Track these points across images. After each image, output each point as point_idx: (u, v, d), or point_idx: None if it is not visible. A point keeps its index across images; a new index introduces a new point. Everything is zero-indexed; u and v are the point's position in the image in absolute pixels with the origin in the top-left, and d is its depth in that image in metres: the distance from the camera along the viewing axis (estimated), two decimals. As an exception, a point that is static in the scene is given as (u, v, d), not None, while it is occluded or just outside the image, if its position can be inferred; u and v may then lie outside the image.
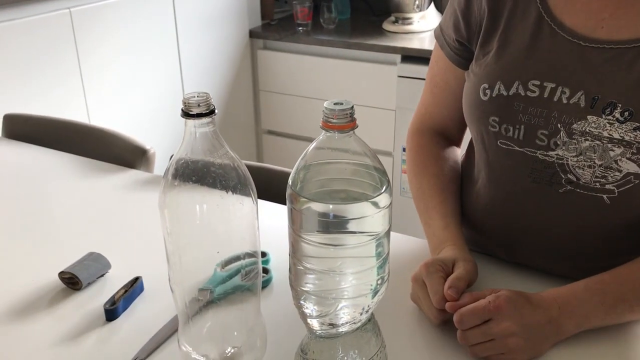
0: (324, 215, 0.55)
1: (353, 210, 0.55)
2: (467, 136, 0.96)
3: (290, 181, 0.57)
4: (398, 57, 2.26)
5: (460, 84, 0.91)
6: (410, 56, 2.24)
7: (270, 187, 1.03)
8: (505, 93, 0.79)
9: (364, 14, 2.72)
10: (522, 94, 0.78)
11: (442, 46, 0.93)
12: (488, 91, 0.80)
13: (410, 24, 2.44)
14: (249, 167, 1.15)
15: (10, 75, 1.72)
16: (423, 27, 2.43)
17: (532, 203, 0.82)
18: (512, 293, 0.72)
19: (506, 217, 0.85)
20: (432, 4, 2.47)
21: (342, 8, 2.65)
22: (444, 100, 0.96)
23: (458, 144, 1.01)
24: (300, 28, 2.52)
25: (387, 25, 2.49)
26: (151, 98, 2.21)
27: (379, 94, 2.36)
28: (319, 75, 2.47)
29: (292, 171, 0.57)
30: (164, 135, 2.25)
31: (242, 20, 2.54)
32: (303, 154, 0.57)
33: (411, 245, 0.95)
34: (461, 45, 0.89)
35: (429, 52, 2.16)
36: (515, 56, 0.79)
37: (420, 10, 2.43)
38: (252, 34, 2.57)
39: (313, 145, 0.57)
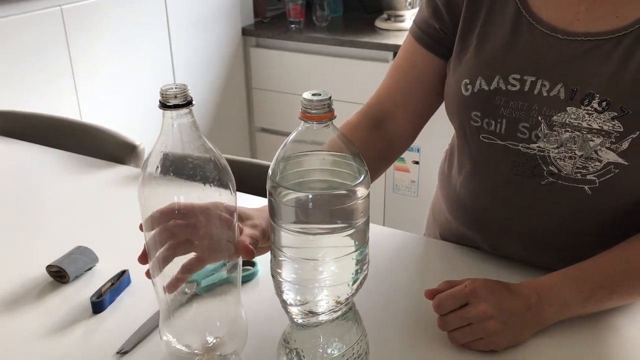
0: (303, 204, 0.56)
1: (331, 199, 0.56)
2: (444, 132, 0.96)
3: (270, 172, 0.57)
4: (390, 55, 2.27)
5: (427, 70, 0.90)
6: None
7: (262, 182, 1.03)
8: (486, 88, 0.80)
9: (357, 11, 2.72)
10: (503, 88, 0.79)
11: (414, 33, 0.91)
12: (469, 86, 0.81)
13: (402, 21, 2.45)
14: (240, 163, 1.16)
15: (1, 73, 1.72)
16: (415, 24, 2.43)
17: (515, 196, 0.83)
18: (490, 280, 0.74)
19: (489, 210, 0.86)
20: (424, 2, 2.48)
21: (334, 6, 2.66)
22: (402, 84, 0.93)
23: (400, 141, 0.95)
24: (293, 26, 2.53)
25: (379, 23, 2.49)
26: (143, 95, 2.22)
27: (371, 91, 2.36)
28: (312, 73, 2.48)
29: (272, 162, 0.58)
30: (155, 133, 2.25)
31: (235, 18, 2.54)
32: (282, 144, 0.58)
33: (401, 239, 0.96)
34: (444, 34, 0.88)
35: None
36: (495, 51, 0.80)
37: (412, 8, 2.43)
38: (245, 32, 2.58)
39: (292, 136, 0.57)
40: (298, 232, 0.57)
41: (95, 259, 0.88)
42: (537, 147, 0.78)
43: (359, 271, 0.59)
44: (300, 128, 0.57)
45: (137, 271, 0.86)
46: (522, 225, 0.84)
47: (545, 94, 0.76)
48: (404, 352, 0.73)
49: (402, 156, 2.37)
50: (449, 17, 0.86)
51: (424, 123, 0.96)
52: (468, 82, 0.81)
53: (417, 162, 2.34)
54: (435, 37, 0.89)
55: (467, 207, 0.90)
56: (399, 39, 2.31)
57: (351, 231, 0.57)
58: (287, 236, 0.57)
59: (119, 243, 0.95)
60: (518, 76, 0.78)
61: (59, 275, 0.86)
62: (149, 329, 0.76)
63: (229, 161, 1.19)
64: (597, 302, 0.75)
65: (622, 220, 0.80)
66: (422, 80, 0.91)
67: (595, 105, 0.73)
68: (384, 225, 1.41)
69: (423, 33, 0.89)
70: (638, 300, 0.79)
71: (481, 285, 0.72)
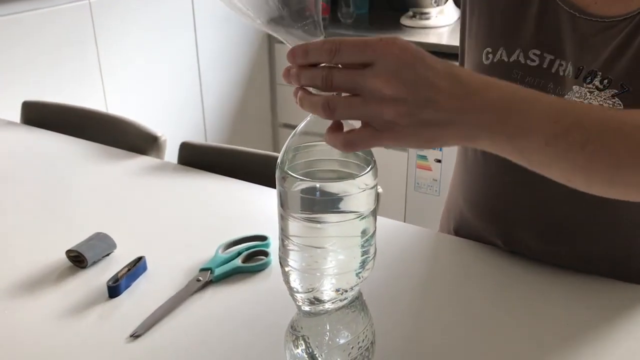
0: (311, 193, 0.57)
1: (338, 188, 0.57)
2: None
3: (279, 161, 0.59)
4: (414, 52, 2.27)
5: None
6: (427, 51, 2.24)
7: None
8: (506, 59, 0.80)
9: (382, 8, 2.72)
10: (522, 61, 0.79)
11: None
12: (490, 55, 0.81)
13: (428, 18, 2.44)
14: (261, 157, 1.18)
15: (30, 64, 1.76)
16: (441, 22, 2.43)
17: (524, 177, 0.82)
18: (430, 56, 0.52)
19: (499, 194, 0.86)
20: (450, -1, 2.47)
21: (360, 2, 2.66)
22: None
23: None
24: (318, 22, 2.53)
25: (405, 20, 2.49)
26: (169, 89, 2.25)
27: (394, 88, 2.37)
28: (336, 69, 2.49)
29: (281, 152, 0.59)
30: (178, 126, 2.29)
31: (261, 14, 2.56)
32: (292, 134, 0.59)
33: (413, 233, 0.97)
34: None
35: (446, 47, 2.18)
36: (522, 23, 0.80)
37: (438, 5, 2.42)
38: (270, 28, 2.59)
39: (301, 126, 0.58)
40: (306, 220, 0.58)
41: (113, 245, 0.91)
42: None
43: (365, 261, 0.60)
44: (309, 118, 0.58)
45: (154, 258, 0.88)
46: (533, 209, 0.84)
47: (561, 73, 0.77)
48: (410, 344, 0.74)
49: (425, 154, 2.37)
50: None
51: None
52: (490, 51, 0.81)
53: (439, 161, 2.33)
54: None
55: (478, 192, 0.90)
56: (424, 37, 2.30)
57: (358, 221, 0.58)
58: (295, 224, 0.58)
59: (137, 231, 0.97)
60: (538, 52, 0.78)
61: (77, 260, 0.88)
62: (162, 314, 0.78)
63: (252, 155, 1.21)
64: (564, 144, 0.53)
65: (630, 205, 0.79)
66: None
67: (597, 83, 0.74)
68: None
69: None
70: (605, 173, 0.55)
71: (411, 49, 0.50)
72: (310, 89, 0.54)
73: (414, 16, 2.48)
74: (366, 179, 0.57)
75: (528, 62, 0.78)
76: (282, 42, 2.54)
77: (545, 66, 0.78)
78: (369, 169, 0.57)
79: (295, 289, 0.61)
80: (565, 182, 0.56)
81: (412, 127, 0.50)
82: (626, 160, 0.53)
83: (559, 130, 0.52)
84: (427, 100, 0.50)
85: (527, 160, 0.55)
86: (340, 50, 0.50)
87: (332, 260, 0.59)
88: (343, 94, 0.52)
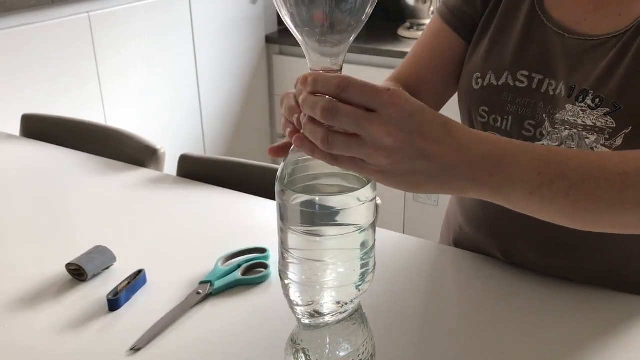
0: (310, 207, 0.57)
1: (337, 202, 0.57)
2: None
3: (278, 174, 0.59)
4: (412, 63, 2.28)
5: (451, 50, 0.89)
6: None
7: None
8: (495, 83, 0.81)
9: (379, 19, 2.73)
10: (511, 84, 0.80)
11: (442, 14, 0.90)
12: (480, 80, 0.83)
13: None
14: (261, 169, 1.18)
15: (30, 78, 1.77)
16: (438, 33, 2.44)
17: None
18: (429, 110, 0.54)
19: (497, 207, 0.87)
20: (447, 10, 2.49)
21: (357, 14, 2.68)
22: (426, 62, 0.91)
23: None
24: (316, 34, 2.55)
25: (402, 31, 2.51)
26: (167, 101, 2.26)
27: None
28: (334, 80, 2.50)
29: (281, 166, 0.59)
30: (177, 137, 2.30)
31: (259, 25, 2.58)
32: (292, 148, 0.59)
33: (413, 245, 0.97)
34: (472, 20, 0.87)
35: (443, 57, 2.18)
36: (507, 46, 0.82)
37: (435, 17, 2.44)
38: (268, 40, 2.61)
39: (301, 139, 0.59)
40: (305, 234, 0.58)
41: (113, 259, 0.91)
42: (541, 144, 0.79)
43: (365, 273, 0.60)
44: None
45: (153, 271, 0.88)
46: (530, 225, 0.84)
47: (551, 92, 0.78)
48: (410, 356, 0.74)
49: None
50: (481, 4, 0.87)
51: (442, 105, 0.95)
52: (479, 76, 0.83)
53: (437, 171, 2.34)
54: (464, 21, 0.88)
55: (476, 209, 0.90)
56: (421, 48, 2.31)
57: (358, 233, 0.58)
58: (295, 238, 0.59)
59: (137, 243, 0.97)
60: (526, 73, 0.79)
61: (78, 273, 0.88)
62: (162, 327, 0.78)
63: (251, 167, 1.21)
64: (549, 194, 0.56)
65: None
66: (445, 59, 0.91)
67: (589, 102, 0.75)
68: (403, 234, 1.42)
69: (452, 15, 0.89)
70: (589, 216, 0.58)
71: (409, 99, 0.52)
72: None
73: (410, 27, 2.50)
74: (365, 192, 0.57)
75: (517, 83, 0.79)
76: (279, 54, 2.56)
77: (534, 87, 0.79)
78: (368, 182, 0.57)
79: (295, 302, 0.61)
80: (552, 222, 0.59)
81: (400, 172, 0.54)
82: (607, 206, 0.56)
83: (543, 180, 0.55)
84: (421, 151, 0.52)
85: (514, 206, 0.58)
86: (348, 89, 0.51)
87: (331, 273, 0.59)
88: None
